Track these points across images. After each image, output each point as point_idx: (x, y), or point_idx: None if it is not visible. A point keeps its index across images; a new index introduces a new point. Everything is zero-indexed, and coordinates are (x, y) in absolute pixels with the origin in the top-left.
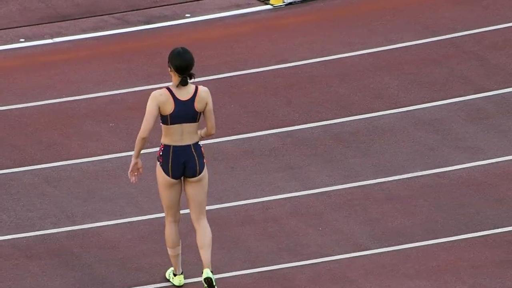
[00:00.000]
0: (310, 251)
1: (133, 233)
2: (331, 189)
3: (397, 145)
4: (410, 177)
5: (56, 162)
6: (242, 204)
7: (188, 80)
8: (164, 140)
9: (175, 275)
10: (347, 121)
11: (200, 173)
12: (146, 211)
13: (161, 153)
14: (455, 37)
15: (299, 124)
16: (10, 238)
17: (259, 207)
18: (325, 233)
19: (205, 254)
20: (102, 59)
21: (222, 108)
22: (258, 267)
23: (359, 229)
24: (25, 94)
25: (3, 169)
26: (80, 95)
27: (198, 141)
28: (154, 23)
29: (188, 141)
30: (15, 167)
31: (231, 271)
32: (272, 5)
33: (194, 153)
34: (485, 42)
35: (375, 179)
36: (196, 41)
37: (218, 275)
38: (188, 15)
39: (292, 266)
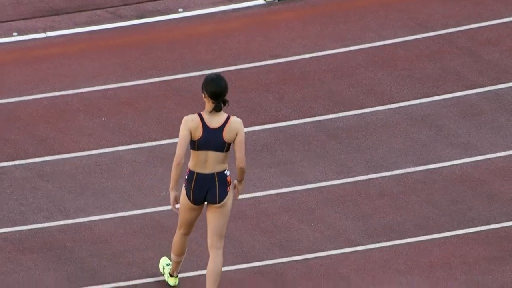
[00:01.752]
0: (302, 247)
1: (126, 228)
2: (324, 184)
3: (390, 141)
4: (402, 173)
5: (49, 156)
6: (234, 200)
7: (222, 106)
8: (190, 165)
9: (171, 275)
10: (339, 117)
11: (220, 201)
12: (139, 205)
13: (186, 177)
14: (448, 33)
15: (292, 120)
16: (3, 231)
17: (251, 203)
18: (317, 229)
19: (208, 286)
20: (95, 53)
21: None
22: (250, 262)
23: (351, 225)
24: (18, 88)
25: None
26: (73, 89)
27: (225, 170)
28: (147, 18)
29: (211, 169)
30: (8, 161)
31: (224, 266)
32: (265, 0)
33: (216, 181)
34: (478, 38)
35: (367, 175)
36: (189, 36)
37: None
38: (181, 9)
39: (284, 262)
